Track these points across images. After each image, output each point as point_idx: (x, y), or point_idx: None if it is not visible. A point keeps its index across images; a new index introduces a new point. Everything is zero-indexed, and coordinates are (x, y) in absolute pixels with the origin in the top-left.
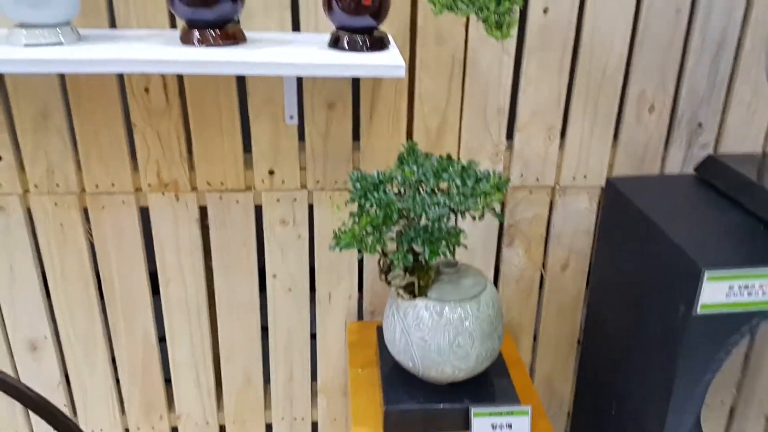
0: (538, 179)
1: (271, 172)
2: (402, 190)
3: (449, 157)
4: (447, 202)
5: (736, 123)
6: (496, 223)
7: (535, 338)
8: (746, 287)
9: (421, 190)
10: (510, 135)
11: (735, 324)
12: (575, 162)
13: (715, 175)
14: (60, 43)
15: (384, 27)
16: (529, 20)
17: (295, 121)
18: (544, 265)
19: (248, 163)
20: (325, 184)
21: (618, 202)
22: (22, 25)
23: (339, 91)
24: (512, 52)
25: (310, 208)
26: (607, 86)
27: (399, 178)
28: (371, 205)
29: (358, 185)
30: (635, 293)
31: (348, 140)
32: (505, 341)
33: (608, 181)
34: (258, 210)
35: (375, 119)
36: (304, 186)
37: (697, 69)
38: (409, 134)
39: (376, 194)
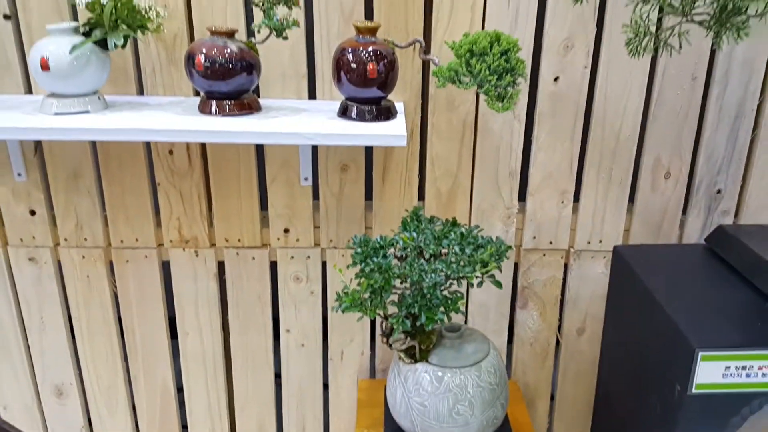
0: (551, 242)
1: (286, 231)
2: (404, 255)
3: (454, 222)
4: (445, 269)
5: (758, 190)
6: (509, 283)
7: (552, 401)
8: (744, 368)
9: (422, 255)
10: (522, 197)
11: (734, 406)
12: (589, 226)
13: (723, 247)
14: (87, 112)
15: (396, 93)
16: (540, 88)
17: (310, 182)
18: (559, 329)
19: (264, 222)
20: (338, 242)
21: (623, 270)
22: (53, 95)
23: (352, 154)
24: (523, 118)
25: (324, 265)
26: (621, 152)
27: (401, 243)
28: (372, 270)
29: (359, 249)
30: (637, 366)
31: (360, 201)
32: (516, 405)
33: (615, 249)
34: (273, 266)
35: (387, 181)
36: (317, 244)
37: (715, 136)
38: (421, 196)
39: (376, 259)
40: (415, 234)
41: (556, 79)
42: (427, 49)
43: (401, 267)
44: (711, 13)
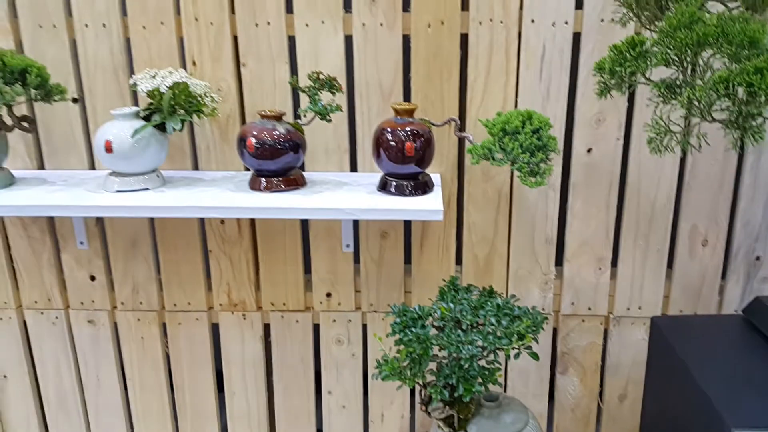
0: (590, 308)
1: (329, 295)
2: (441, 325)
3: (490, 291)
4: (481, 340)
5: None
6: (548, 348)
7: None
8: None
9: (459, 325)
10: (559, 263)
11: None
12: (628, 293)
13: (761, 319)
14: (146, 189)
15: (434, 165)
16: (573, 159)
17: (352, 248)
18: (600, 395)
19: (308, 286)
20: (378, 306)
21: (660, 341)
22: (115, 173)
23: (391, 222)
24: (558, 187)
25: (364, 328)
26: (657, 220)
27: (438, 313)
28: (410, 340)
29: (398, 319)
30: None
31: (400, 266)
32: None
33: (652, 319)
34: (316, 329)
35: (425, 247)
36: (358, 308)
37: (751, 205)
38: (459, 261)
39: (414, 329)
40: (452, 305)
41: (589, 151)
42: (462, 126)
43: (439, 337)
44: (727, 117)
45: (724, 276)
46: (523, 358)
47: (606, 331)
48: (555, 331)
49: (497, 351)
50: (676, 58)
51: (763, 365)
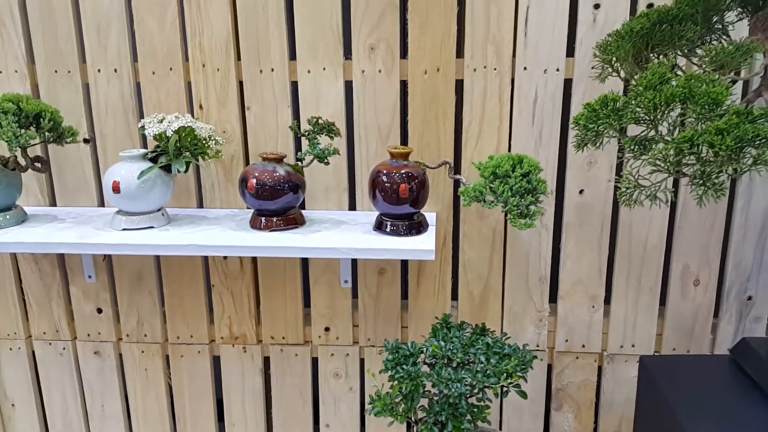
0: (584, 345)
1: (327, 329)
2: (433, 363)
3: (483, 329)
4: (470, 378)
5: None
6: (543, 384)
7: None
8: None
9: (450, 363)
10: (554, 301)
11: None
12: (621, 331)
13: (746, 360)
14: (152, 227)
15: (430, 205)
16: (566, 200)
17: (350, 284)
18: (595, 431)
19: (307, 320)
20: (376, 341)
21: (648, 381)
22: (122, 212)
23: (389, 259)
24: (551, 227)
25: (362, 362)
26: (649, 260)
27: (430, 351)
28: (402, 376)
29: (390, 356)
30: None
31: (397, 302)
32: None
33: (641, 359)
34: (314, 362)
35: (422, 284)
36: (356, 342)
37: (743, 245)
38: (455, 298)
39: (406, 366)
40: (443, 342)
41: (581, 192)
42: (457, 168)
43: (430, 375)
44: (692, 174)
45: (716, 315)
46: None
47: (600, 368)
48: (550, 367)
49: (486, 389)
50: (646, 117)
51: (747, 407)
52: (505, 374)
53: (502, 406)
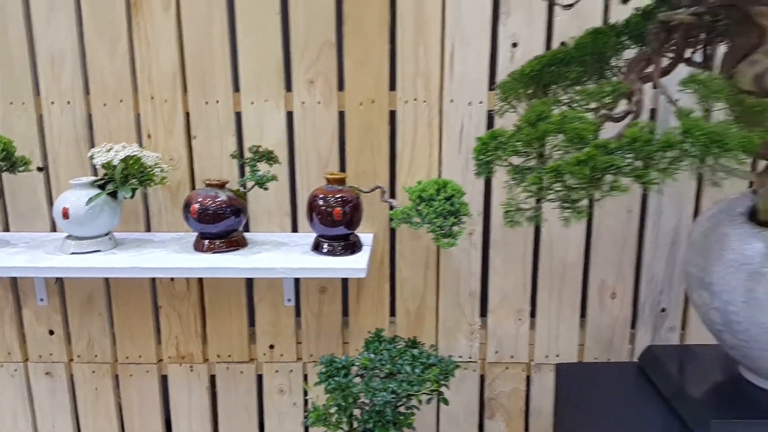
0: (512, 356)
1: (272, 347)
2: (363, 374)
3: (414, 342)
4: (396, 388)
5: None
6: (476, 394)
7: None
8: None
9: (380, 374)
10: (484, 314)
11: None
12: (546, 341)
13: (651, 367)
14: (99, 251)
15: (368, 226)
16: (492, 220)
17: (293, 303)
18: None
19: (252, 339)
20: (318, 357)
21: (562, 388)
22: (71, 237)
23: (329, 278)
24: (479, 246)
25: (305, 378)
26: (569, 276)
27: (361, 363)
28: (334, 388)
29: (324, 369)
30: None
31: (338, 319)
32: None
33: (556, 367)
34: (259, 379)
35: (361, 301)
36: (299, 358)
37: (654, 261)
38: (393, 314)
39: (337, 378)
40: (373, 355)
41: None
42: (393, 193)
43: (359, 386)
44: (559, 198)
45: (634, 326)
46: (452, 405)
47: (528, 378)
48: (482, 378)
49: (410, 397)
50: (523, 150)
51: (648, 412)
52: (428, 382)
53: (439, 415)
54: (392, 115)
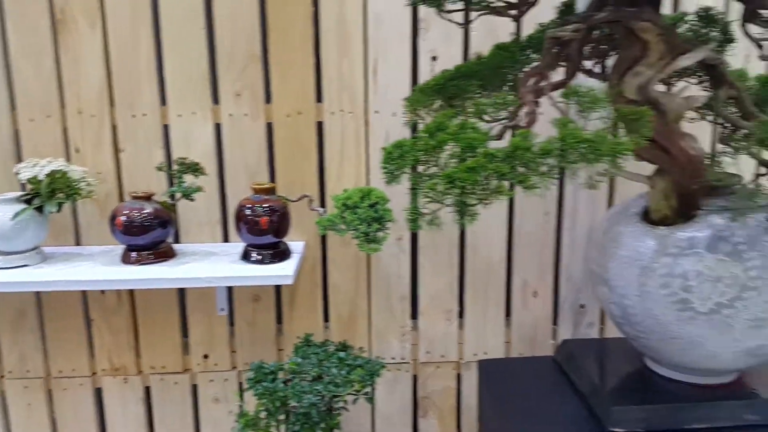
0: (443, 356)
1: (206, 356)
2: (291, 378)
3: (344, 345)
4: (322, 390)
5: None
6: (409, 394)
7: None
8: None
9: (306, 378)
10: (414, 316)
11: None
12: (474, 340)
13: (565, 361)
14: (26, 266)
15: (299, 233)
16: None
17: (226, 312)
18: None
19: (186, 349)
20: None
21: (484, 383)
22: None
23: (262, 286)
24: (408, 250)
25: (240, 386)
26: (494, 277)
27: (288, 368)
28: (262, 393)
29: (252, 374)
30: None
31: (272, 327)
32: None
33: (479, 363)
34: (194, 389)
35: (295, 308)
36: (234, 367)
37: (572, 261)
38: (327, 319)
39: (265, 383)
40: (300, 359)
41: (434, 220)
42: (322, 201)
43: (286, 389)
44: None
45: (556, 323)
46: (387, 405)
47: (459, 376)
48: (415, 378)
49: (336, 398)
50: (423, 158)
51: (562, 404)
52: (352, 383)
53: (374, 416)
54: (320, 126)
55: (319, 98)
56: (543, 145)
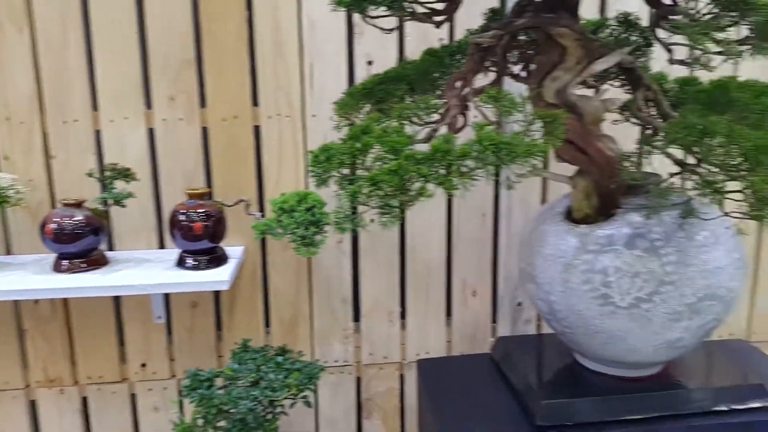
0: (386, 357)
1: (144, 365)
2: (228, 384)
3: (283, 350)
4: (258, 395)
5: None
6: (353, 397)
7: None
8: None
9: (243, 384)
10: (357, 318)
11: None
12: (416, 340)
13: (501, 358)
14: None
15: (239, 238)
16: (360, 229)
17: (163, 320)
18: None
19: (123, 358)
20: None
21: (423, 382)
22: None
23: (200, 292)
24: (348, 253)
25: (180, 395)
26: (434, 277)
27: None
28: (198, 400)
29: (187, 382)
30: None
31: (212, 333)
32: None
33: (418, 363)
34: (133, 399)
35: (235, 314)
36: (173, 375)
37: (509, 260)
38: (268, 324)
39: (200, 390)
40: (236, 365)
41: (372, 220)
42: (261, 205)
43: (222, 396)
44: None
45: (495, 321)
46: (330, 407)
47: (402, 376)
48: (359, 380)
49: (273, 403)
50: (349, 162)
51: (496, 400)
52: (290, 387)
53: (317, 420)
54: (257, 130)
55: (255, 102)
56: (461, 148)
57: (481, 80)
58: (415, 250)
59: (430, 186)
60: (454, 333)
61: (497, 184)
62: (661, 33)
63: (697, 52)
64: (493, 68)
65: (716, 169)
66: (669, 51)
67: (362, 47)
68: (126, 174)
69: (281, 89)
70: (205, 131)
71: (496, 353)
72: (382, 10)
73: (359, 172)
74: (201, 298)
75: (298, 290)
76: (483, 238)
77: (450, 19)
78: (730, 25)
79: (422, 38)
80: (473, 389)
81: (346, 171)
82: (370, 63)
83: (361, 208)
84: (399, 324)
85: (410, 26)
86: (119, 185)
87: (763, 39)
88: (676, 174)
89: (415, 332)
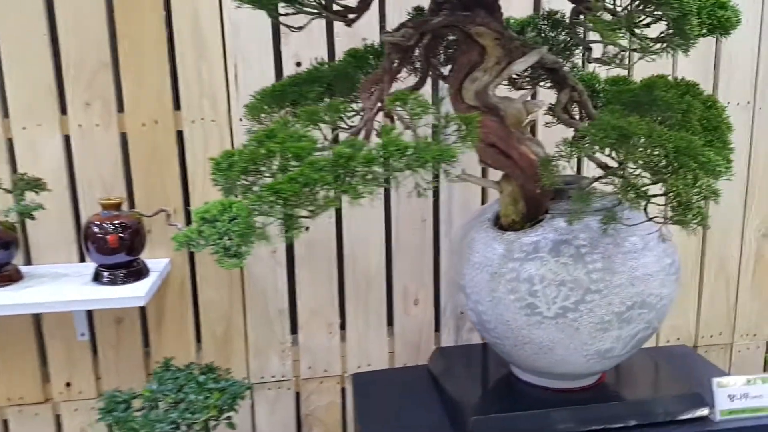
0: (326, 370)
1: (68, 384)
2: (146, 406)
3: (210, 368)
4: (176, 418)
5: None
6: (292, 412)
7: None
8: None
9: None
10: (294, 330)
11: None
12: (357, 352)
13: (437, 369)
14: None
15: (164, 250)
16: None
17: (87, 337)
18: None
19: (46, 377)
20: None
21: (357, 395)
22: None
23: (124, 308)
24: (284, 262)
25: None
26: (373, 285)
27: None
28: (113, 423)
29: (102, 404)
30: None
31: (139, 350)
32: None
33: (352, 377)
34: (58, 420)
35: (163, 329)
36: (101, 394)
37: (451, 267)
38: (199, 339)
39: (116, 413)
40: (154, 386)
41: (306, 229)
42: (187, 215)
43: (138, 419)
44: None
45: (438, 329)
46: (268, 424)
47: (343, 390)
48: (298, 395)
49: (192, 425)
50: (252, 167)
51: (429, 414)
52: (211, 408)
53: None
54: (181, 135)
55: (178, 106)
56: (365, 154)
57: (409, 82)
58: (353, 258)
59: (332, 194)
60: (396, 343)
61: (437, 189)
62: (582, 30)
63: (613, 49)
64: (419, 68)
65: (639, 171)
66: (589, 49)
67: (290, 48)
68: (36, 185)
69: (205, 92)
70: (124, 137)
71: (433, 365)
72: (282, 6)
73: (265, 180)
74: (126, 313)
75: (231, 303)
76: (424, 244)
77: (360, 18)
78: (643, 21)
79: (351, 38)
80: (406, 404)
81: (252, 178)
82: (298, 64)
83: (267, 219)
84: (339, 335)
85: (339, 26)
86: (30, 196)
87: (678, 35)
88: (600, 178)
89: (356, 344)
